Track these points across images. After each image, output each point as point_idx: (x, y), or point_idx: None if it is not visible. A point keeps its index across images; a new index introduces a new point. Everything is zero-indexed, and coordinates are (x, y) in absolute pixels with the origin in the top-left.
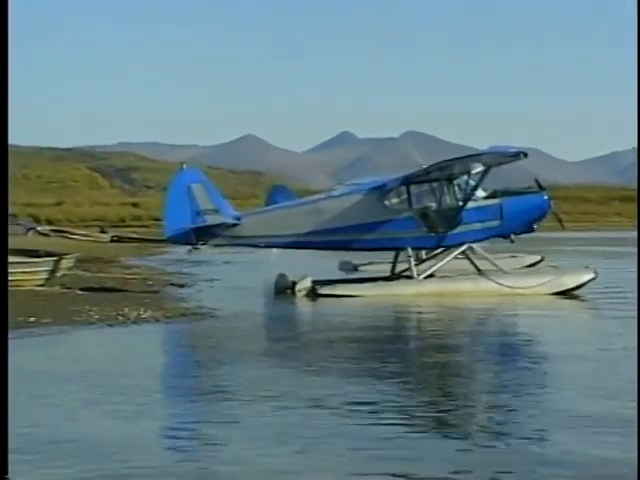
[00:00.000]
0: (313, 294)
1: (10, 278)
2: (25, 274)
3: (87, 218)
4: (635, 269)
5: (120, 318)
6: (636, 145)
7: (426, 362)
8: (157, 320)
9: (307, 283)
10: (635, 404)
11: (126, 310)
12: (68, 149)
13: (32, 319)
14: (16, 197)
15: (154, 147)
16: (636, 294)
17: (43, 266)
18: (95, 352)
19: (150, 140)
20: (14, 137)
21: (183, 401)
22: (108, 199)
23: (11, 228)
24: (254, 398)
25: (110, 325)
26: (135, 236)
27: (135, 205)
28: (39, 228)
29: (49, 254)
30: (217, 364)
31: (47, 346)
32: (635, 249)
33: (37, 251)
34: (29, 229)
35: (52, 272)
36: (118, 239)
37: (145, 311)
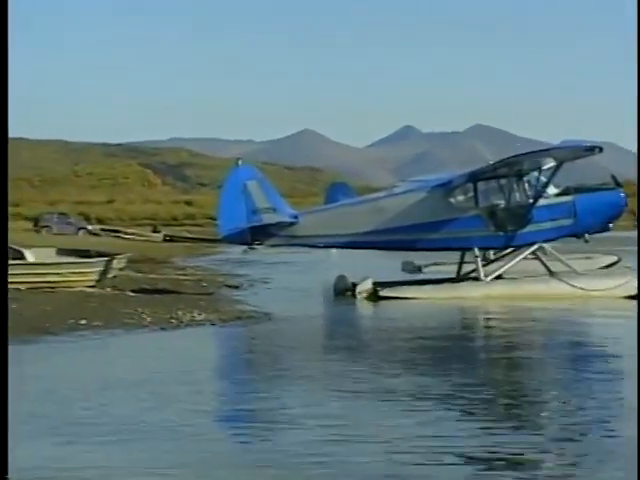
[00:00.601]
0: (374, 296)
1: (61, 279)
2: (76, 275)
3: (139, 216)
4: None
5: (173, 321)
6: None
7: (504, 381)
8: (212, 323)
9: (368, 285)
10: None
11: (179, 313)
12: (118, 145)
13: (83, 322)
14: (67, 195)
15: (208, 143)
16: None
17: (94, 267)
18: (147, 356)
19: (203, 136)
20: (64, 133)
21: (240, 414)
22: (160, 197)
23: (62, 227)
24: (305, 422)
25: (163, 328)
26: (188, 235)
27: (188, 203)
28: (90, 227)
29: (100, 254)
30: (275, 371)
31: (98, 350)
32: None
33: (88, 251)
34: (80, 228)
35: (103, 273)
36: (171, 239)
37: (199, 314)
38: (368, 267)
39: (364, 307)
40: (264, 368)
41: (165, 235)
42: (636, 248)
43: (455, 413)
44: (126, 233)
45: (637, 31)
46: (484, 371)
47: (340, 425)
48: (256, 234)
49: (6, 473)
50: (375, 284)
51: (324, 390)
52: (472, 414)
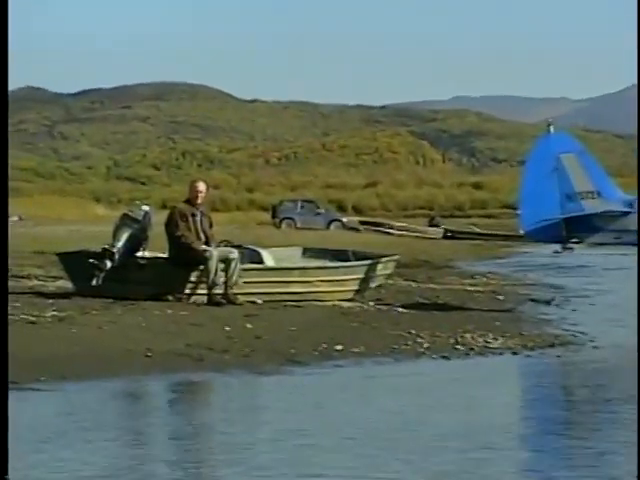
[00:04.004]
0: None
1: (309, 289)
2: (328, 284)
3: (410, 205)
4: None
5: (459, 347)
6: None
7: None
8: (513, 352)
9: None
10: None
11: (467, 336)
12: (382, 107)
13: (338, 347)
14: (314, 176)
15: (504, 103)
16: None
17: (352, 273)
18: (430, 398)
19: (498, 93)
20: (309, 92)
21: None
22: (440, 178)
23: (308, 219)
24: None
25: (445, 357)
26: (478, 230)
27: (477, 186)
28: (345, 219)
29: (360, 256)
30: (604, 421)
31: (360, 386)
32: None
33: (344, 252)
34: (331, 221)
35: (364, 282)
36: (453, 235)
37: (495, 338)
38: None
39: None
40: (591, 418)
41: (446, 230)
42: None
43: None
44: (393, 227)
45: (637, 31)
46: None
47: None
48: (574, 228)
49: (6, 473)
50: None
51: None
52: None
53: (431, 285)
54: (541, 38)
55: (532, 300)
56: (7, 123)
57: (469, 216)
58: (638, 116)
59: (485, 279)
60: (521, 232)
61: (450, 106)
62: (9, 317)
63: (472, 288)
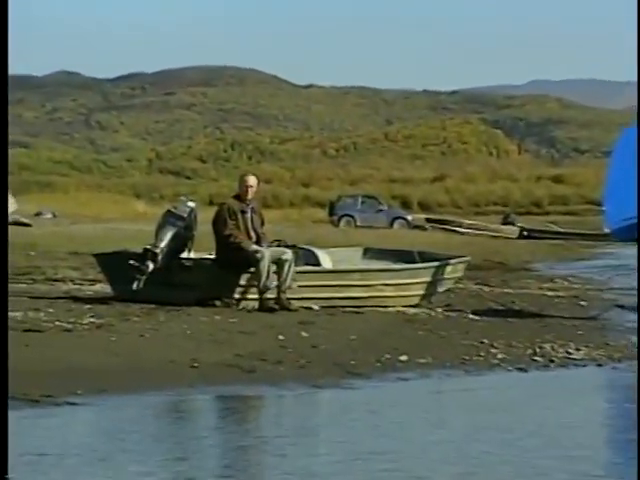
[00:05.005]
0: None
1: (370, 294)
2: (392, 288)
3: (482, 201)
4: None
5: (538, 358)
6: None
7: None
8: (597, 363)
9: None
10: None
11: (547, 346)
12: (452, 93)
13: (403, 357)
14: (376, 169)
15: (588, 87)
16: None
17: (418, 276)
18: (506, 411)
19: (581, 76)
20: (368, 77)
21: None
22: (515, 171)
23: (369, 217)
24: None
25: (521, 369)
26: (557, 229)
27: (557, 180)
28: (410, 217)
29: (426, 257)
30: None
31: (428, 402)
32: None
33: (409, 253)
34: (395, 218)
35: (431, 285)
36: (530, 234)
37: (577, 348)
38: None
39: None
40: None
41: (522, 229)
42: None
43: None
44: (464, 225)
45: (637, 31)
46: None
47: None
48: None
49: (6, 473)
50: None
51: None
52: None
53: (506, 289)
54: (625, 16)
55: (619, 306)
56: (7, 120)
57: (548, 213)
58: (638, 115)
59: (566, 283)
60: (606, 231)
61: (527, 91)
62: (42, 324)
63: (552, 293)
